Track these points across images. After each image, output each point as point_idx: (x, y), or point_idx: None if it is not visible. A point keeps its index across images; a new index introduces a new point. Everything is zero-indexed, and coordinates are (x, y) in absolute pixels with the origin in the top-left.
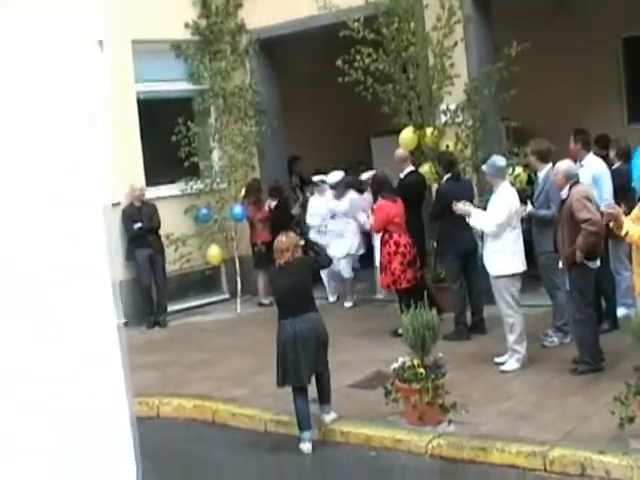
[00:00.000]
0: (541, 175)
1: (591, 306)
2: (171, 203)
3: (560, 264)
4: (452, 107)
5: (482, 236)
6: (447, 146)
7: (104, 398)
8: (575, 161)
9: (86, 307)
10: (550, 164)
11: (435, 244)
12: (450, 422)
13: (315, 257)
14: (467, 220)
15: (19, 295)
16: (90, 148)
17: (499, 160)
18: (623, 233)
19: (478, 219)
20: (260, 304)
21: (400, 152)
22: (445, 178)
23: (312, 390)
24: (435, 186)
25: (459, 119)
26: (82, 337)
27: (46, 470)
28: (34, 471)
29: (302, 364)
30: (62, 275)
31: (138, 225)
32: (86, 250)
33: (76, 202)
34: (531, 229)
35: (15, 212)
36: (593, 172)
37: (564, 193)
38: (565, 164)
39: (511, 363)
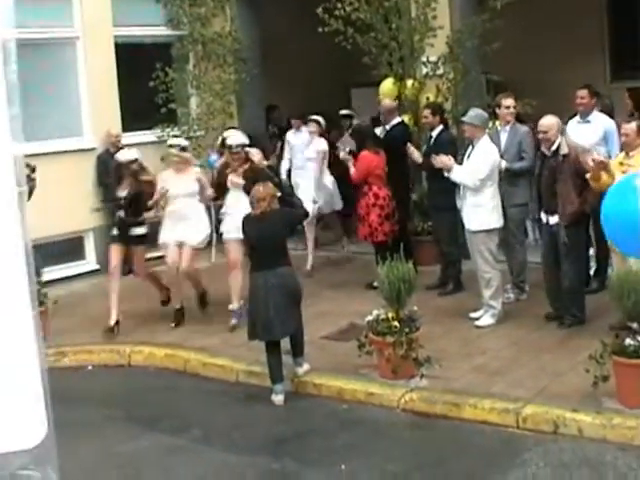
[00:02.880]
0: (507, 129)
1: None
2: (148, 150)
3: (551, 219)
4: (433, 59)
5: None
6: (427, 98)
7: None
8: (580, 116)
9: None
10: (512, 118)
11: (419, 197)
12: (423, 376)
13: (291, 210)
14: (446, 174)
15: None
16: None
17: (482, 112)
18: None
19: (459, 173)
20: None
21: (387, 102)
22: (440, 129)
23: (285, 341)
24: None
25: (440, 71)
26: None
27: None
28: None
29: (273, 319)
30: None
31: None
32: None
33: None
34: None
35: None
36: (605, 127)
37: (562, 147)
38: (553, 118)
39: (486, 318)
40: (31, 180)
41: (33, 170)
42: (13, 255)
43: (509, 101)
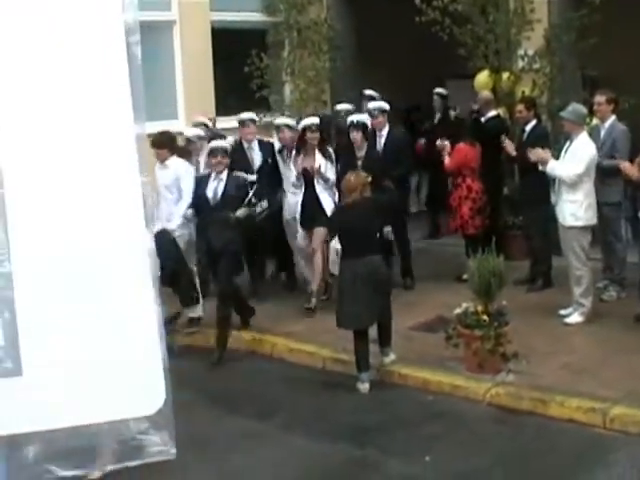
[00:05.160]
0: (606, 125)
1: None
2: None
3: None
4: (530, 52)
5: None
6: (523, 92)
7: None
8: None
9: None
10: (614, 115)
11: (511, 191)
12: (510, 372)
13: (384, 196)
14: (541, 168)
15: None
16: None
17: (581, 108)
18: None
19: (557, 167)
20: None
21: (484, 94)
22: (534, 123)
23: (373, 330)
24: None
25: (537, 65)
26: None
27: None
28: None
29: (361, 308)
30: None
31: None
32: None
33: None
34: None
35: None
36: None
37: None
38: None
39: (575, 316)
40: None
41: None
42: (138, 252)
43: (600, 98)
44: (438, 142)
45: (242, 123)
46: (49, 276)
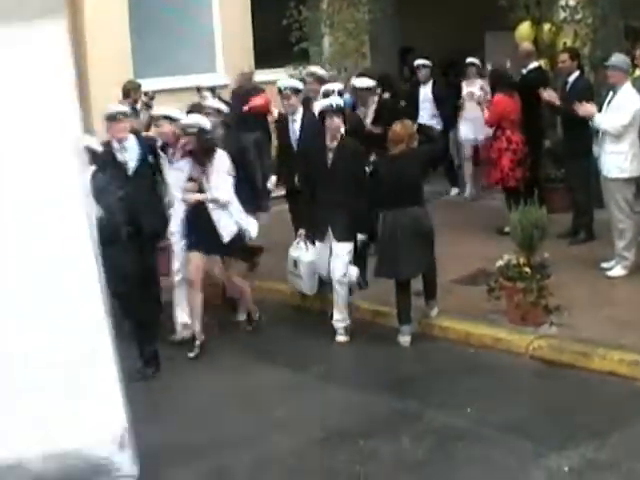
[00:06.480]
0: None
1: None
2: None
3: None
4: (572, 3)
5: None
6: (565, 43)
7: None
8: None
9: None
10: None
11: (553, 143)
12: (552, 324)
13: (431, 146)
14: (588, 121)
15: None
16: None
17: (625, 57)
18: None
19: (601, 119)
20: None
21: (525, 46)
22: (577, 74)
23: (416, 282)
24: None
25: (578, 16)
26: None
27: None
28: None
29: (401, 258)
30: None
31: None
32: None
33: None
34: None
35: None
36: None
37: None
38: None
39: (618, 269)
40: (148, 108)
41: (151, 98)
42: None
43: None
44: (475, 94)
45: (112, 118)
46: None
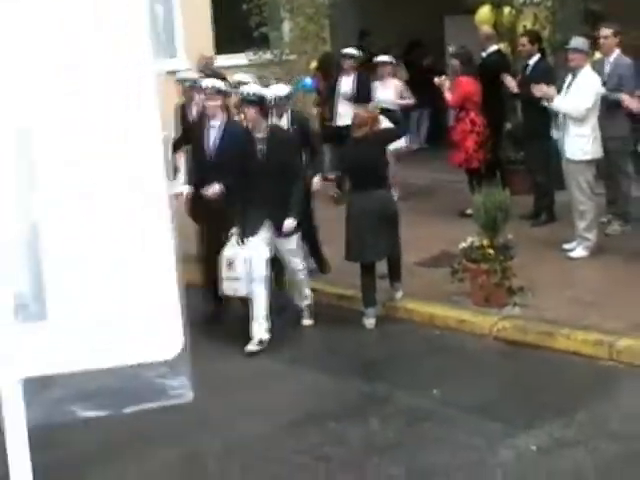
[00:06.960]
0: (611, 59)
1: None
2: (239, 73)
3: None
4: None
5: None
6: (524, 26)
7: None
8: None
9: None
10: (619, 49)
11: (513, 126)
12: (516, 305)
13: (393, 129)
14: (546, 104)
15: None
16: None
17: (585, 40)
18: None
19: (562, 103)
20: (325, 179)
21: (486, 29)
22: (537, 57)
23: (380, 265)
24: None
25: None
26: None
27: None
28: None
29: (367, 242)
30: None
31: None
32: None
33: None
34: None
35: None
36: None
37: None
38: None
39: (579, 250)
40: None
41: None
42: (153, 194)
43: (606, 31)
44: (436, 79)
45: None
46: (72, 221)
